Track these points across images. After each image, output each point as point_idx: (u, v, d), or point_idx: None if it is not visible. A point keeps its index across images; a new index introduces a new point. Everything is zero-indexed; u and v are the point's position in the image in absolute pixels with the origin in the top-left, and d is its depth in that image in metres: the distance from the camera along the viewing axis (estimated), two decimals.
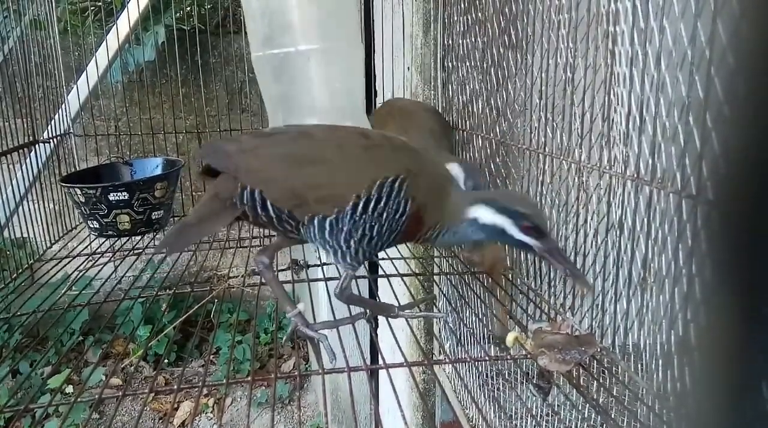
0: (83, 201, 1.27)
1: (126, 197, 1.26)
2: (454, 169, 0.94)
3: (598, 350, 0.74)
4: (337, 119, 1.07)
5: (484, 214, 0.74)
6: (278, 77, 1.06)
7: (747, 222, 0.22)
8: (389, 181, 0.71)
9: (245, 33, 1.12)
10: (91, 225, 1.31)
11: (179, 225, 0.78)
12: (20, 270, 1.21)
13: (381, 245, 0.76)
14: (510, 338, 0.80)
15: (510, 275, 1.01)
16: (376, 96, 1.74)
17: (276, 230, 0.78)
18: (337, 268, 0.80)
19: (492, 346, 1.02)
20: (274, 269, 0.85)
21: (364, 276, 1.12)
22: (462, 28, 1.19)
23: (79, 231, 1.46)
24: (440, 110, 1.37)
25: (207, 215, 0.76)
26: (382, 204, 0.71)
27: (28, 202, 1.43)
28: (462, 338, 1.26)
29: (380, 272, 1.13)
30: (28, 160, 1.47)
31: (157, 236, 1.35)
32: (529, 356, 0.76)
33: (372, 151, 0.75)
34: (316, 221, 0.73)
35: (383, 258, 1.19)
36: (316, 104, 1.09)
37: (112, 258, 1.24)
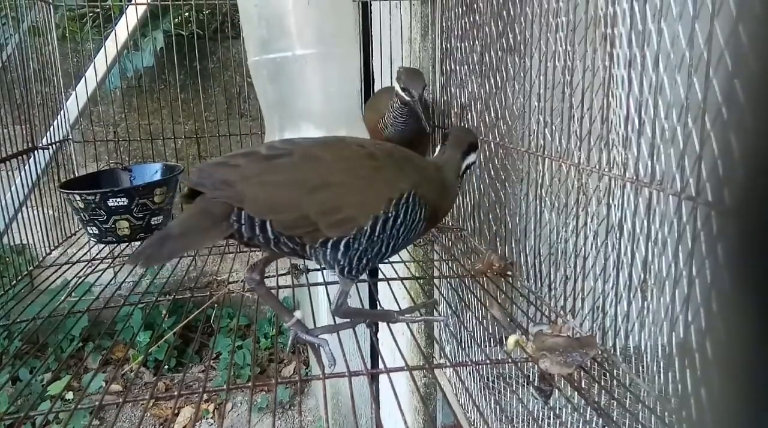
0: (82, 207, 1.27)
1: (125, 203, 1.26)
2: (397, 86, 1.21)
3: (599, 352, 0.74)
4: (333, 123, 1.07)
5: (471, 158, 0.91)
6: (274, 81, 1.06)
7: (750, 224, 0.22)
8: (404, 196, 0.74)
9: (243, 38, 1.13)
10: (91, 231, 1.31)
11: (161, 234, 0.69)
12: (20, 277, 1.21)
13: (391, 254, 0.80)
14: (511, 341, 0.80)
15: (510, 277, 1.01)
16: None
17: (269, 250, 0.75)
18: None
19: (493, 349, 1.01)
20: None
21: (364, 280, 1.11)
22: (460, 32, 1.20)
23: (79, 238, 1.46)
24: (439, 113, 1.37)
25: (194, 229, 0.70)
26: (399, 220, 0.74)
27: (27, 208, 1.43)
28: (463, 341, 1.26)
29: (380, 276, 1.13)
30: (27, 167, 1.47)
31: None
32: (530, 359, 0.76)
33: (381, 171, 0.75)
34: (329, 244, 0.72)
35: (383, 262, 1.19)
36: (313, 108, 1.09)
37: (112, 264, 1.24)
